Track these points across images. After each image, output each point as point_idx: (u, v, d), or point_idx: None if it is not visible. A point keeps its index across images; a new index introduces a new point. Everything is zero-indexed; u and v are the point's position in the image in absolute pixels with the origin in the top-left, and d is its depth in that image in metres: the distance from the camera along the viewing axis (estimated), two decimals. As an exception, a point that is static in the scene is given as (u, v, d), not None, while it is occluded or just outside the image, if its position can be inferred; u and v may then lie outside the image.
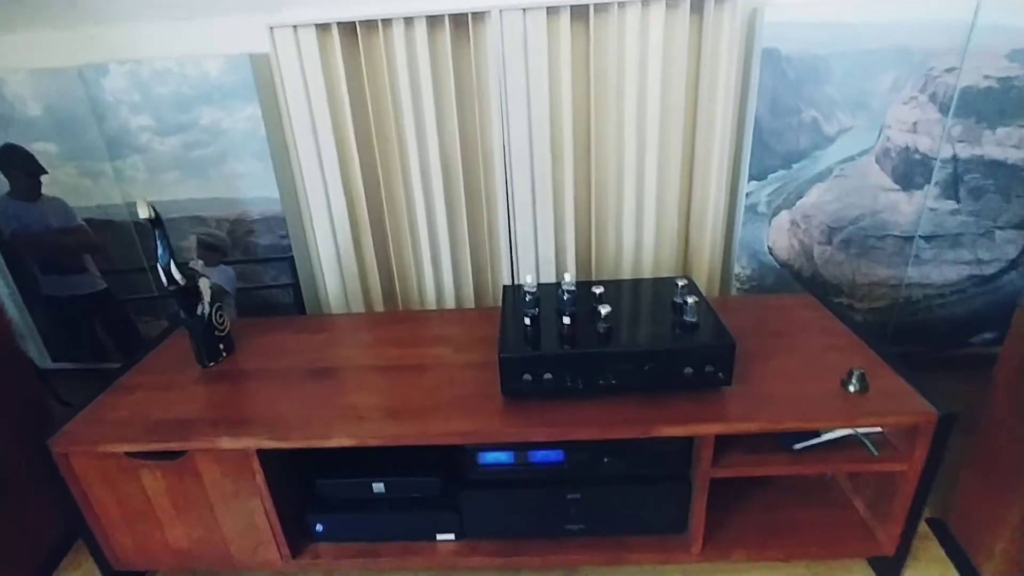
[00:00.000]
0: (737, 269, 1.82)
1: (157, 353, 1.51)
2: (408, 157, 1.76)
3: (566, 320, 1.18)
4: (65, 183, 1.87)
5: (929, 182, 1.68)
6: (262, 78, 1.69)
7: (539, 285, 1.26)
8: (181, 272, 1.30)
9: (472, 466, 1.23)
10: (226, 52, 1.67)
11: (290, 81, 1.67)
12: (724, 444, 1.17)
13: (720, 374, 1.14)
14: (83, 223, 1.92)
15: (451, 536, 1.32)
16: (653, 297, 1.33)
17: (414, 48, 1.64)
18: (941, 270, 1.79)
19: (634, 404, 1.15)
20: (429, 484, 1.30)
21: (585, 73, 1.66)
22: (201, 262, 1.97)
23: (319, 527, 1.32)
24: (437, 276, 1.90)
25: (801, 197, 1.72)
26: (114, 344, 2.12)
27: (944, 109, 1.59)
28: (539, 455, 1.21)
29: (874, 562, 1.31)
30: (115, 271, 2.01)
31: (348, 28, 1.64)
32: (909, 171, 1.67)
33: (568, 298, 1.16)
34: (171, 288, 1.30)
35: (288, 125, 1.75)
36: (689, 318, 1.17)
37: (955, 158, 1.64)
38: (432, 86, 1.67)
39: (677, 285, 1.24)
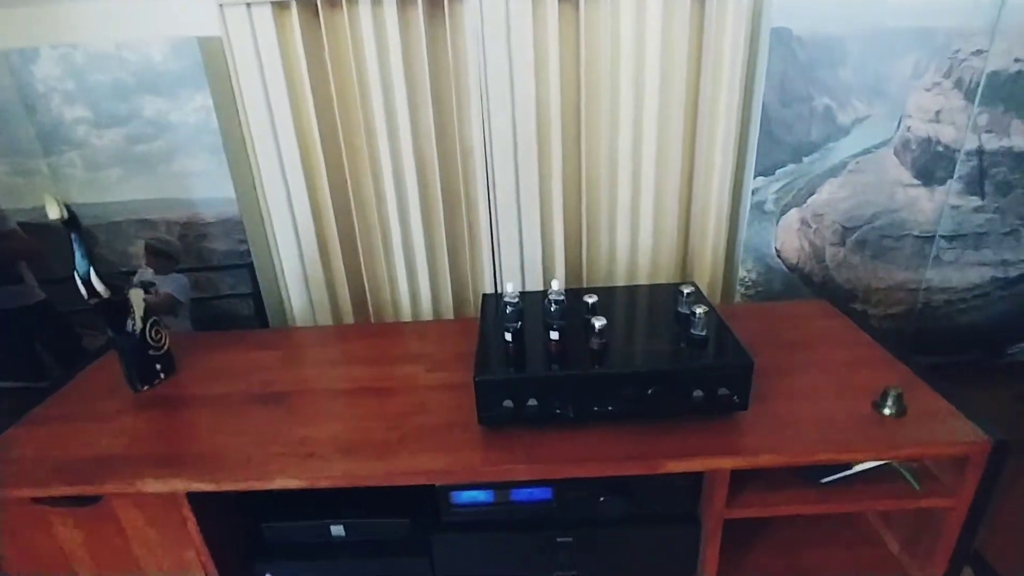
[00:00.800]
0: (742, 273, 1.66)
1: (86, 375, 1.31)
2: (378, 152, 1.59)
3: (554, 335, 1.01)
4: (-5, 183, 1.67)
5: (952, 176, 1.53)
6: (213, 64, 1.51)
7: (523, 294, 1.08)
8: (105, 283, 1.11)
9: (446, 506, 1.05)
10: (171, 35, 1.49)
11: (244, 67, 1.49)
12: (740, 478, 1.00)
13: (736, 397, 0.97)
14: (16, 227, 1.72)
15: (423, 587, 1.13)
16: (654, 307, 1.16)
17: (383, 29, 1.47)
18: (963, 272, 1.64)
19: (635, 435, 0.98)
20: (396, 527, 1.12)
21: (575, 58, 1.49)
22: (151, 270, 1.78)
23: (268, 578, 1.13)
24: (412, 284, 1.72)
25: (812, 194, 1.56)
26: (55, 360, 1.92)
27: (970, 96, 1.44)
28: (523, 493, 1.03)
29: (909, 609, 1.14)
30: (55, 280, 1.81)
31: (308, 6, 1.46)
32: (930, 165, 1.52)
33: (556, 309, 0.99)
34: (92, 302, 1.11)
35: (244, 117, 1.57)
36: (697, 332, 1.00)
37: (981, 150, 1.49)
38: (404, 73, 1.50)
39: (682, 293, 1.08)
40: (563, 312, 1.00)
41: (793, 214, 1.59)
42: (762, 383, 1.08)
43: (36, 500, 0.99)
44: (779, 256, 1.64)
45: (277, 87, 1.51)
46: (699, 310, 1.00)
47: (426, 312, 1.74)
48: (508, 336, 1.01)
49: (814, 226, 1.60)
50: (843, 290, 1.67)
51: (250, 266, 1.73)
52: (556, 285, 1.00)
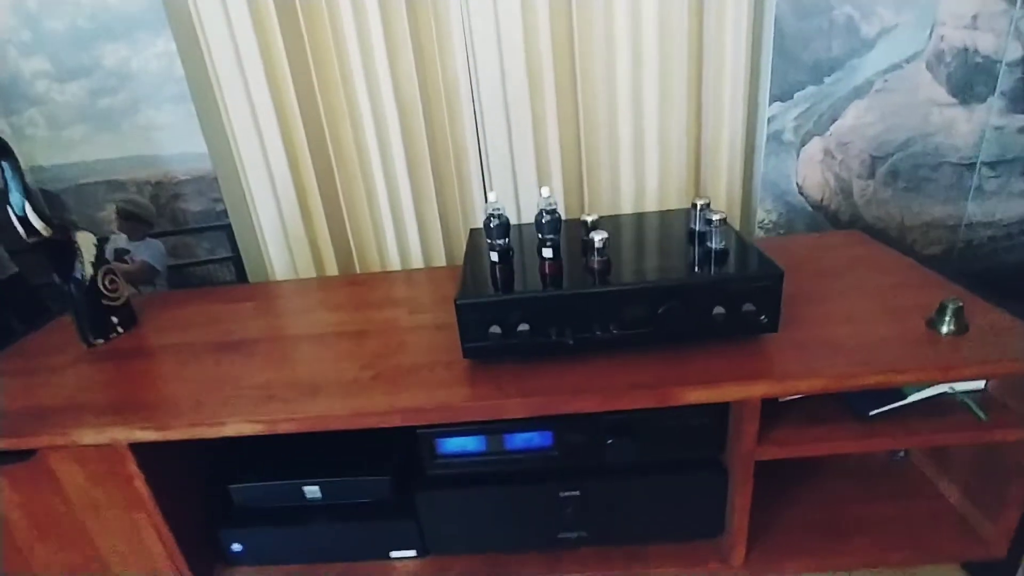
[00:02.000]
0: (760, 214, 1.50)
1: (41, 334, 1.20)
2: (356, 96, 1.45)
3: (547, 252, 0.87)
4: (-47, 147, 1.57)
5: (993, 92, 1.36)
6: (172, 4, 1.39)
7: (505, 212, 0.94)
8: (45, 220, 0.99)
9: (430, 457, 0.91)
10: (127, -28, 1.37)
11: (206, 5, 1.37)
12: (771, 414, 0.85)
13: (763, 316, 0.82)
14: (-19, 195, 1.62)
15: (411, 552, 1.00)
16: (663, 227, 1.02)
17: (356, -41, 1.34)
18: (1009, 204, 1.47)
19: (644, 363, 0.84)
20: (377, 485, 0.98)
21: (566, -21, 1.35)
22: (124, 236, 1.67)
23: (236, 546, 1.00)
24: (400, 236, 1.58)
25: (836, 120, 1.41)
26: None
27: (1011, -3, 1.28)
28: (519, 440, 0.89)
29: (973, 568, 0.98)
30: (25, 251, 1.70)
31: (274, -67, 1.34)
32: (968, 79, 1.36)
33: (549, 222, 0.85)
34: (32, 240, 0.99)
35: (209, 62, 1.44)
36: (716, 244, 0.86)
37: (1026, 60, 1.33)
38: (379, 9, 1.37)
39: (695, 206, 0.93)
40: (556, 226, 0.86)
41: (815, 144, 1.43)
42: (792, 311, 0.93)
43: (-37, 459, 0.87)
44: (801, 192, 1.48)
45: (243, 27, 1.38)
46: (715, 217, 0.85)
47: (416, 264, 1.60)
48: (494, 256, 0.88)
49: (839, 157, 1.44)
50: (875, 229, 1.51)
51: (228, 227, 1.61)
52: (546, 192, 0.86)
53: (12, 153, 0.96)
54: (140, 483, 0.87)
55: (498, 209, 0.85)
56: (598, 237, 0.85)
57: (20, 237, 1.03)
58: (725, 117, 1.41)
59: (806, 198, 1.49)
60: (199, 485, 1.00)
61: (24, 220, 0.98)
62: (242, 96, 1.44)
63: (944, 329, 0.84)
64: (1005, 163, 1.43)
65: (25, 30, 1.41)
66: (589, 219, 0.94)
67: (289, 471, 1.01)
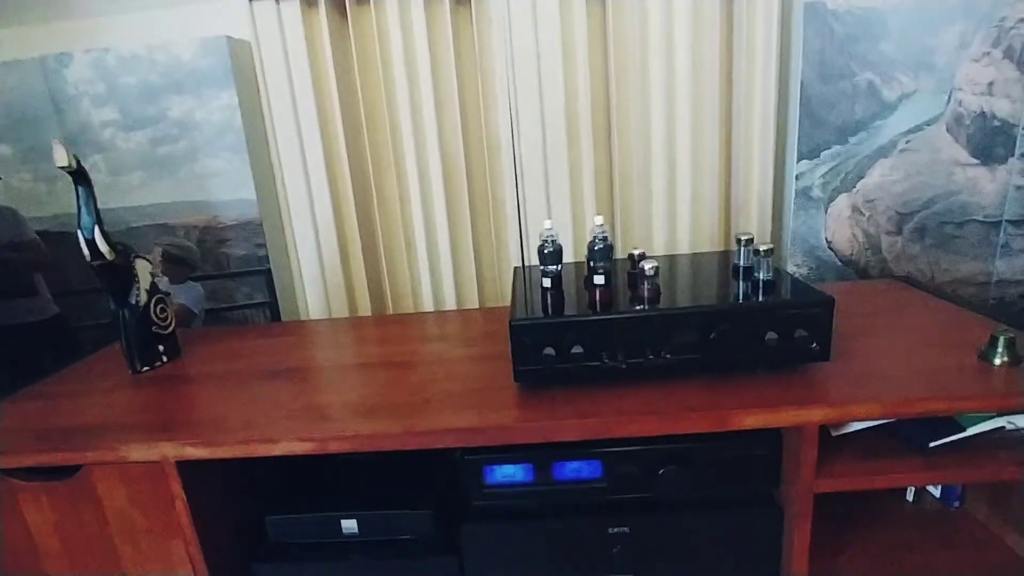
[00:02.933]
0: (791, 268, 1.53)
1: (87, 362, 1.21)
2: (403, 149, 1.54)
3: (598, 279, 0.89)
4: (18, 190, 1.65)
5: (1013, 154, 1.42)
6: (240, 61, 1.52)
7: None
8: (111, 245, 1.04)
9: (476, 487, 0.89)
10: (201, 35, 1.50)
11: (271, 65, 1.49)
12: (824, 451, 0.83)
13: (815, 344, 0.83)
14: (36, 237, 1.68)
15: (448, 596, 0.95)
16: (706, 264, 1.04)
17: (409, 23, 1.46)
18: (1038, 263, 1.49)
19: (698, 390, 0.84)
20: (418, 520, 0.95)
21: (602, 47, 1.47)
22: (166, 279, 1.72)
23: (267, 584, 0.96)
24: (436, 289, 1.62)
25: (862, 177, 1.46)
26: (61, 381, 1.82)
27: (1023, 66, 1.36)
28: (567, 469, 0.87)
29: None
30: (70, 292, 1.75)
31: (336, 2, 1.47)
32: (988, 141, 1.42)
33: (600, 249, 0.88)
34: (95, 263, 1.03)
35: (268, 115, 1.55)
36: (763, 275, 0.88)
37: (1042, 124, 1.39)
38: (430, 67, 1.48)
39: (740, 241, 0.96)
40: (608, 253, 0.89)
41: (843, 200, 1.48)
42: (841, 345, 0.94)
43: (6, 472, 0.87)
44: (831, 247, 1.51)
45: (303, 84, 1.50)
46: (763, 247, 0.88)
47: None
48: (547, 281, 0.90)
49: (867, 213, 1.48)
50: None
51: (267, 272, 1.66)
52: (599, 220, 0.90)
53: (88, 180, 1.02)
54: (181, 505, 0.86)
55: (552, 236, 0.88)
56: (648, 265, 0.87)
57: (84, 261, 1.07)
58: (755, 173, 1.47)
59: (836, 253, 1.52)
60: (235, 517, 0.98)
61: (91, 243, 1.02)
62: (295, 147, 1.53)
63: (997, 361, 0.84)
64: (1030, 222, 1.46)
65: (101, 83, 1.53)
66: (636, 252, 0.97)
67: (327, 505, 0.98)
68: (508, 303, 1.54)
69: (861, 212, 1.48)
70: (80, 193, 1.01)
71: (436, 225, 1.57)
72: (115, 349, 1.26)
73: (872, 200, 1.47)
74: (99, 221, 1.02)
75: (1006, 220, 1.47)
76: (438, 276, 1.61)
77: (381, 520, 0.96)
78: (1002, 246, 1.49)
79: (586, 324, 0.83)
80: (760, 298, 0.84)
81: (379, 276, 1.64)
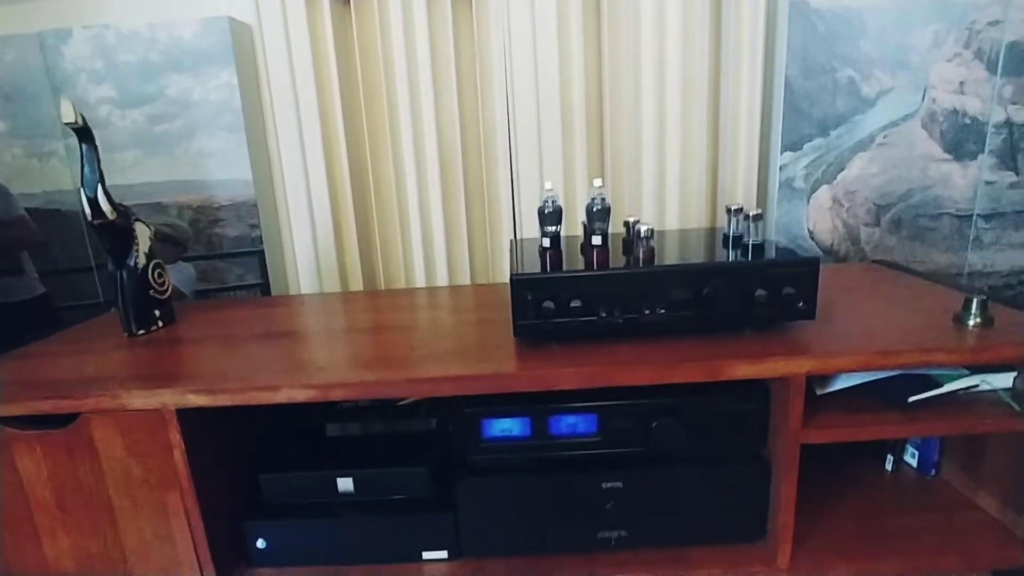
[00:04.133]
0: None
1: (82, 327, 1.21)
2: (400, 137, 1.58)
3: (596, 240, 0.92)
4: (9, 166, 1.65)
5: (983, 150, 1.50)
6: (240, 42, 1.54)
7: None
8: (113, 205, 1.04)
9: (473, 441, 0.90)
10: (203, 14, 1.52)
11: (272, 45, 1.52)
12: (810, 407, 0.86)
13: (801, 302, 0.87)
14: (24, 214, 1.67)
15: (442, 554, 0.96)
16: (697, 234, 1.08)
17: (411, 12, 1.50)
18: (1006, 255, 1.57)
19: (691, 343, 0.87)
20: (414, 477, 0.97)
21: (597, 39, 1.52)
22: (156, 259, 1.71)
23: (260, 542, 0.96)
24: (430, 271, 1.64)
25: (842, 170, 1.53)
26: (43, 361, 1.79)
27: (992, 67, 1.45)
28: (564, 423, 0.90)
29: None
30: (56, 272, 1.74)
31: (339, -11, 1.51)
32: (960, 138, 1.50)
33: (599, 210, 0.91)
34: (96, 222, 1.03)
35: (267, 97, 1.57)
36: (754, 237, 0.92)
37: (1009, 122, 1.48)
38: (429, 55, 1.52)
39: (730, 210, 1.00)
40: (607, 215, 0.93)
41: (824, 192, 1.54)
42: (824, 311, 0.98)
43: (1, 421, 0.86)
44: (812, 237, 1.57)
45: (303, 66, 1.52)
46: (752, 213, 0.92)
47: (443, 295, 1.64)
48: (546, 241, 0.93)
49: (846, 204, 1.55)
50: (882, 275, 1.59)
51: (260, 253, 1.67)
52: (598, 183, 0.93)
53: (93, 137, 1.03)
54: (180, 455, 0.86)
55: (552, 196, 0.91)
56: (644, 227, 0.91)
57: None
58: (741, 166, 1.53)
59: (817, 243, 1.58)
60: (231, 475, 0.98)
61: (94, 201, 1.02)
62: (293, 128, 1.55)
63: (971, 322, 0.88)
64: (998, 216, 1.54)
65: (99, 60, 1.54)
66: (631, 219, 1.00)
67: (322, 463, 0.99)
68: (501, 282, 1.57)
69: (841, 203, 1.55)
70: (84, 151, 1.02)
71: (431, 209, 1.60)
72: (106, 318, 1.26)
73: (852, 192, 1.54)
74: (102, 180, 1.03)
75: (977, 214, 1.54)
76: (431, 260, 1.63)
77: (377, 478, 0.97)
78: (973, 239, 1.56)
79: (585, 279, 0.86)
80: (750, 258, 0.88)
81: (372, 259, 1.66)
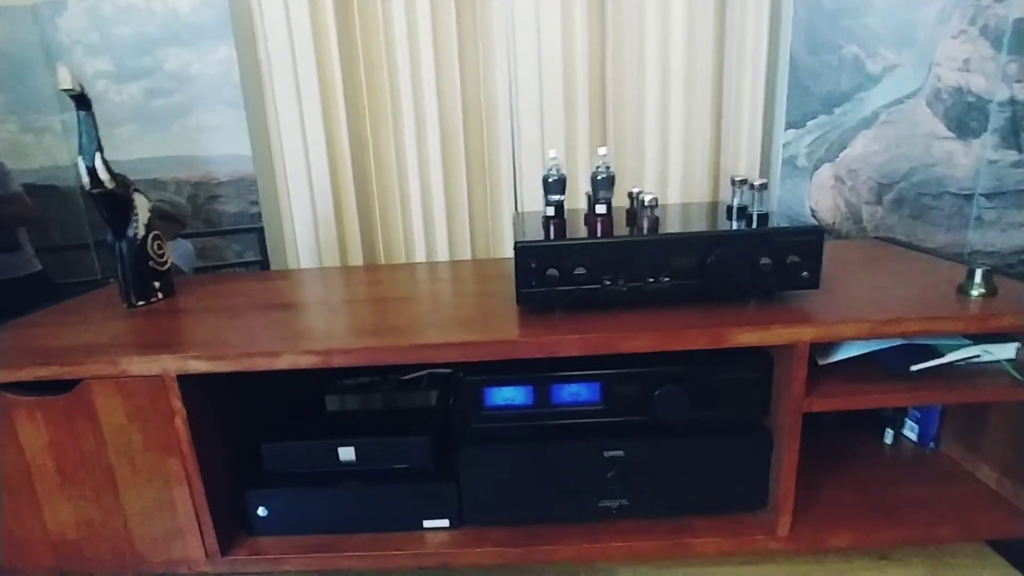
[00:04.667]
0: (776, 235, 1.58)
1: (81, 300, 1.20)
2: (402, 112, 1.56)
3: (600, 209, 0.92)
4: (4, 141, 1.63)
5: (986, 129, 1.49)
6: (239, 15, 1.52)
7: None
8: (111, 174, 1.03)
9: (476, 409, 0.90)
10: (201, -13, 1.50)
11: (272, 19, 1.50)
12: (812, 378, 0.86)
13: (805, 272, 0.86)
14: (21, 190, 1.66)
15: (444, 523, 0.96)
16: (700, 207, 1.08)
17: (411, -15, 1.48)
18: (1008, 235, 1.56)
19: (696, 311, 0.87)
20: (416, 446, 0.97)
21: (600, 15, 1.50)
22: (154, 236, 1.70)
23: (262, 510, 0.96)
24: (430, 248, 1.63)
25: (845, 148, 1.52)
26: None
27: (997, 45, 1.43)
28: (567, 392, 0.90)
29: (1001, 545, 0.97)
30: (53, 248, 1.72)
31: (338, -40, 1.49)
32: (963, 116, 1.48)
33: (604, 178, 0.91)
34: (94, 191, 1.02)
35: (266, 69, 1.55)
36: (758, 208, 0.92)
37: (1013, 100, 1.47)
38: (431, 29, 1.50)
39: (735, 181, 0.99)
40: (611, 183, 0.92)
41: (826, 170, 1.53)
42: (828, 282, 0.97)
43: (1, 387, 0.85)
44: (815, 216, 1.57)
45: (303, 40, 1.50)
46: (757, 182, 0.92)
47: (443, 272, 1.64)
48: (550, 210, 0.92)
49: (849, 183, 1.54)
50: (883, 254, 1.58)
51: (260, 230, 1.65)
52: (603, 151, 0.92)
53: (90, 104, 1.01)
54: (181, 421, 0.86)
55: (557, 165, 0.91)
56: (648, 196, 0.90)
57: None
58: (744, 142, 1.52)
59: (819, 221, 1.57)
60: (232, 444, 0.98)
61: (92, 170, 1.01)
62: (293, 103, 1.54)
63: (975, 292, 0.88)
64: (1000, 195, 1.53)
65: (95, 32, 1.52)
66: (635, 190, 1.00)
67: (323, 433, 0.99)
68: (503, 256, 1.57)
69: (844, 182, 1.54)
70: (81, 118, 1.00)
71: (431, 184, 1.59)
72: (106, 290, 1.25)
73: (854, 170, 1.53)
74: (100, 148, 1.02)
75: (979, 193, 1.53)
76: (432, 235, 1.62)
77: (379, 447, 0.97)
78: (975, 218, 1.56)
79: (589, 247, 0.85)
80: (755, 226, 0.88)
81: (373, 236, 1.65)
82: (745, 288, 0.88)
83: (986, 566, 0.95)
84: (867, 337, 0.82)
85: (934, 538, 0.92)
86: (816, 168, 1.54)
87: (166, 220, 1.66)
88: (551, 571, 0.99)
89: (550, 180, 0.91)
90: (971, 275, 0.89)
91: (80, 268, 1.68)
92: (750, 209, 0.93)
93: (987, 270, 0.88)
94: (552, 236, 0.89)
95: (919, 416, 1.12)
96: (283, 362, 0.83)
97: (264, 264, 1.66)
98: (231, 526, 0.96)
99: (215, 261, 1.67)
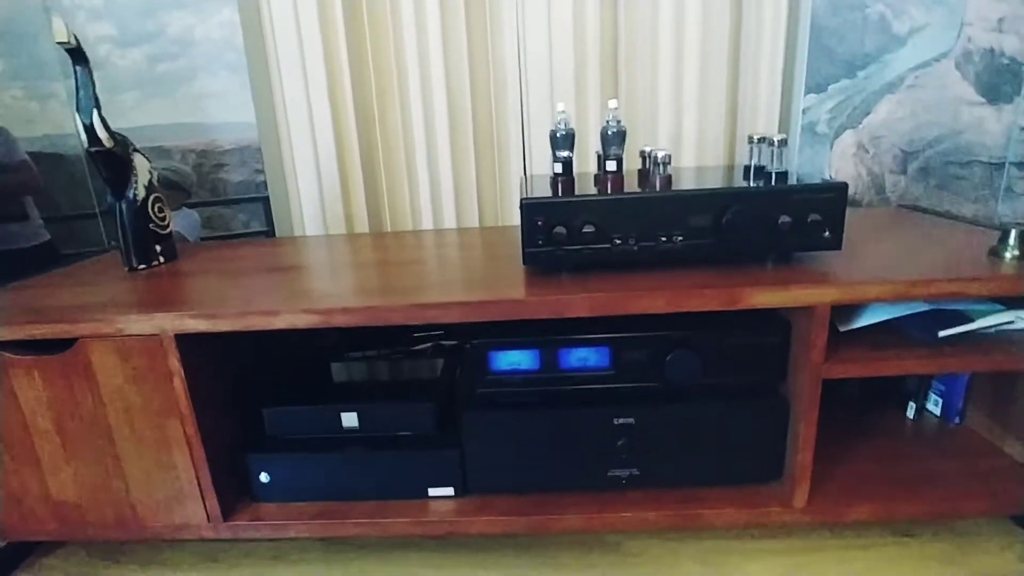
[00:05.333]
0: (795, 206, 1.52)
1: (82, 265, 1.19)
2: (408, 81, 1.51)
3: (610, 166, 0.88)
4: (9, 107, 1.61)
5: (1019, 93, 1.42)
6: (242, -24, 1.48)
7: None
8: (110, 132, 1.01)
9: (481, 374, 0.88)
10: (203, -52, 1.46)
11: (274, -19, 1.45)
12: (833, 345, 0.82)
13: (827, 231, 0.82)
14: (27, 158, 1.64)
15: (449, 491, 0.94)
16: (719, 168, 1.03)
17: (417, -55, 1.43)
18: (1039, 206, 1.50)
19: (711, 273, 0.83)
20: (420, 412, 0.94)
21: (612, -28, 1.44)
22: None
23: (264, 476, 0.95)
24: (437, 218, 1.60)
25: (868, 113, 1.46)
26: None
27: (1034, 2, 1.36)
28: (574, 357, 0.86)
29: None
30: (60, 218, 1.71)
31: (343, -79, 1.44)
32: (996, 79, 1.41)
33: (615, 133, 0.86)
34: (93, 150, 1.00)
35: (270, 34, 1.51)
36: (777, 164, 0.87)
37: (1049, 63, 1.39)
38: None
39: (752, 139, 0.94)
40: (622, 138, 0.88)
41: (848, 137, 1.47)
42: (851, 247, 0.93)
43: None
44: (835, 185, 1.51)
45: (307, 5, 1.46)
46: (777, 138, 0.87)
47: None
48: (558, 167, 0.88)
49: (871, 151, 1.48)
50: (906, 226, 1.52)
51: (265, 200, 1.63)
52: (613, 104, 0.88)
53: (87, 59, 0.99)
54: (180, 382, 0.84)
55: (565, 119, 0.86)
56: (661, 153, 0.86)
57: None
58: (762, 107, 1.46)
59: (839, 191, 1.51)
60: (233, 407, 0.96)
61: (90, 128, 0.99)
62: (297, 69, 1.50)
63: (1008, 255, 0.83)
64: (1033, 164, 1.46)
65: (97, -3, 1.49)
66: (647, 149, 0.95)
67: (326, 398, 0.97)
68: (510, 225, 1.53)
69: (866, 150, 1.48)
70: (78, 74, 0.98)
71: (438, 149, 1.55)
72: (107, 257, 1.24)
73: (878, 138, 1.47)
74: (98, 105, 0.99)
75: (1010, 162, 1.47)
76: (439, 206, 1.59)
77: (382, 413, 0.94)
78: (1005, 189, 1.49)
79: (599, 203, 0.81)
80: (775, 183, 0.83)
81: (379, 205, 1.62)
82: (763, 249, 0.84)
83: (1012, 543, 0.92)
84: (893, 299, 0.77)
85: (957, 512, 0.89)
86: (837, 135, 1.48)
87: (172, 189, 1.64)
88: (558, 542, 0.97)
89: (558, 135, 0.87)
90: (1005, 236, 0.84)
91: (87, 239, 1.68)
92: (768, 168, 0.88)
93: (1022, 231, 0.83)
94: (560, 193, 0.85)
95: (943, 389, 1.08)
96: (282, 321, 0.80)
97: (270, 234, 1.64)
98: (234, 492, 0.95)
99: (221, 231, 1.66)
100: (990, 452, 0.98)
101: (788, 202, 0.81)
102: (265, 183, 1.60)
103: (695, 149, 1.49)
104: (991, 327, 0.84)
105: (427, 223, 1.59)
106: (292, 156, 1.58)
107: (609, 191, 0.85)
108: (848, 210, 0.82)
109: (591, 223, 0.81)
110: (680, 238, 0.82)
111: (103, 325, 0.82)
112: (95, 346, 0.83)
